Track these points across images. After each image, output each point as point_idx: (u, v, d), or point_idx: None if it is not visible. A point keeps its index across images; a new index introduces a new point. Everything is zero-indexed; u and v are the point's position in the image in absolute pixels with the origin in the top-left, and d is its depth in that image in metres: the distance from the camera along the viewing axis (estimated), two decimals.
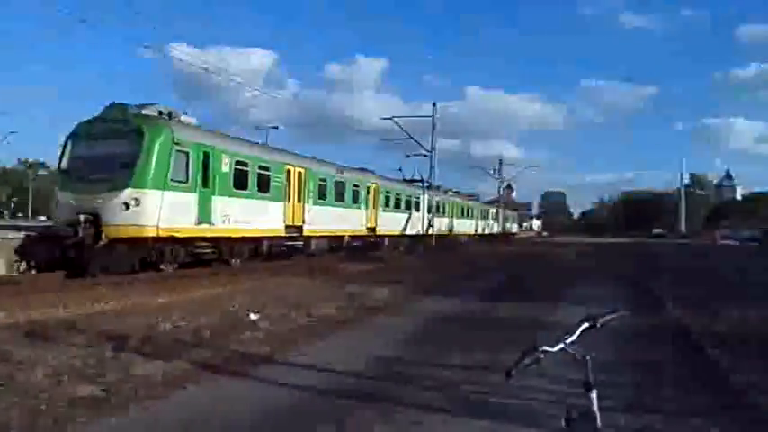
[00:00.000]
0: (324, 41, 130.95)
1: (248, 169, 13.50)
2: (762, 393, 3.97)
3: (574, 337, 1.64)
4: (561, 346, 1.61)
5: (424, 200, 25.76)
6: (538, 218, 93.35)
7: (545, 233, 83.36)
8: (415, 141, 27.08)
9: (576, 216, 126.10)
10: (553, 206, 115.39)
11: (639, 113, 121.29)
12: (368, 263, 15.06)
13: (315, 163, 17.06)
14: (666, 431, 3.40)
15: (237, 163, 13.06)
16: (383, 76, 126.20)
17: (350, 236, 19.08)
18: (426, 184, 26.17)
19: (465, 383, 4.35)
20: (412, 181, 26.92)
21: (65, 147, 11.63)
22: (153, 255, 11.04)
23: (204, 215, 11.98)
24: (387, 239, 21.86)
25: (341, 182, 18.43)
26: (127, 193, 10.60)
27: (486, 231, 38.83)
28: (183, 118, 12.34)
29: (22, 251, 10.76)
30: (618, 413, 3.53)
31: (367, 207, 20.51)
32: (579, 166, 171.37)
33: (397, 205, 23.19)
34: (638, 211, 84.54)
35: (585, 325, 1.68)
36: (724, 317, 7.01)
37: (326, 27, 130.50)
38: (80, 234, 10.22)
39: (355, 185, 19.55)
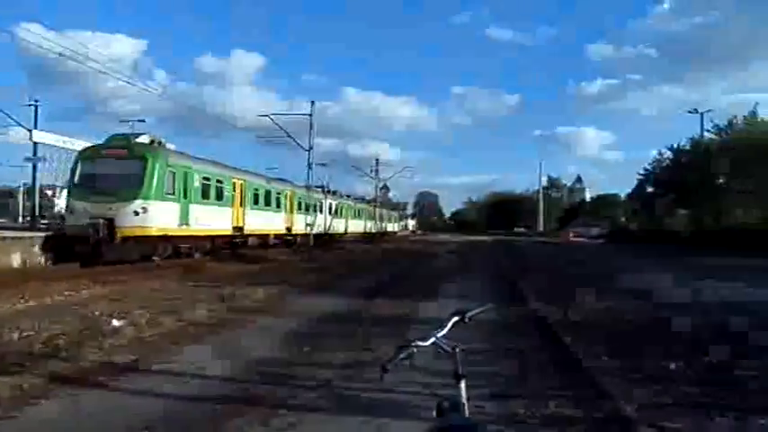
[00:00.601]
0: (197, 32, 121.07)
1: (210, 183, 17.90)
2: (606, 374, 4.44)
3: (444, 331, 1.72)
4: (433, 340, 1.67)
5: (326, 204, 31.10)
6: (413, 217, 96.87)
7: (419, 231, 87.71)
8: (293, 140, 26.71)
9: (447, 215, 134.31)
10: (427, 206, 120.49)
11: (504, 119, 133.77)
12: (253, 263, 15.81)
13: (250, 175, 21.88)
14: (528, 415, 3.72)
15: (204, 178, 17.50)
16: (261, 72, 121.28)
17: (273, 235, 23.40)
18: (314, 188, 29.21)
19: (343, 381, 4.43)
20: (319, 188, 30.78)
21: (75, 165, 15.69)
22: (154, 249, 15.12)
23: (184, 219, 16.25)
24: (299, 238, 26.18)
25: (268, 190, 23.20)
26: (137, 203, 14.72)
27: (373, 230, 41.73)
28: (168, 145, 17.04)
29: (47, 248, 14.30)
30: (486, 401, 3.81)
31: (285, 211, 25.10)
32: (451, 168, 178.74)
33: (307, 209, 27.53)
34: (502, 210, 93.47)
35: (455, 319, 1.77)
36: (575, 307, 7.62)
37: (200, 17, 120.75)
38: (101, 234, 14.06)
39: (278, 193, 24.31)
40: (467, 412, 1.67)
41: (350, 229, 34.29)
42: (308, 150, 26.68)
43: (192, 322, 6.78)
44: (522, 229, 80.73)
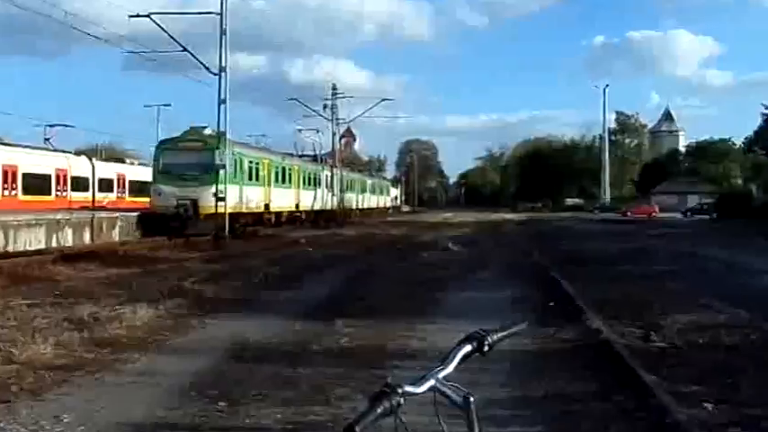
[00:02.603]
0: None
1: (252, 165, 27.77)
2: None
3: (449, 369, 1.54)
4: (431, 383, 1.47)
5: (324, 176, 38.86)
6: (395, 183, 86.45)
7: (406, 208, 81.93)
8: (193, 56, 23.26)
9: (452, 180, 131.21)
10: (419, 165, 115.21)
11: (541, 19, 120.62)
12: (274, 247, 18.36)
13: (269, 153, 32.15)
14: None
15: (249, 162, 27.47)
16: None
17: (287, 212, 32.58)
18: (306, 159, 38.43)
19: None
20: (307, 157, 39.01)
21: (158, 155, 25.11)
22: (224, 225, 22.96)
23: (242, 199, 25.80)
24: (304, 214, 34.84)
25: (284, 167, 32.38)
26: (216, 187, 22.69)
27: (331, 207, 41.80)
28: (228, 136, 24.37)
29: (142, 224, 23.19)
30: None
31: (294, 187, 33.87)
32: (456, 102, 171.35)
33: (311, 183, 36.11)
34: (540, 171, 78.88)
35: (467, 348, 1.62)
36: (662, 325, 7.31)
37: None
38: (189, 213, 23.10)
39: (289, 169, 33.04)
40: None
41: (302, 204, 36.46)
42: (218, 75, 22.49)
43: None
44: (574, 201, 69.16)
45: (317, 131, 44.39)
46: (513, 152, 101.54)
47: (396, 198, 79.21)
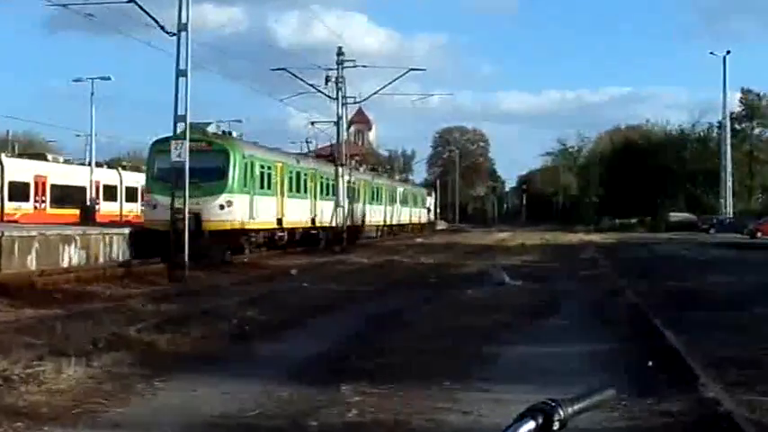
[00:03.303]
0: None
1: (264, 170, 30.80)
2: None
3: None
4: None
5: (343, 183, 41.42)
6: (429, 189, 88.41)
7: (442, 224, 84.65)
8: (141, 9, 24.07)
9: (508, 185, 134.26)
10: (462, 164, 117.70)
11: None
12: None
13: (280, 155, 35.63)
14: None
15: (260, 166, 30.48)
16: None
17: (301, 229, 35.74)
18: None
19: None
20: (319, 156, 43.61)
21: (152, 158, 28.73)
22: (235, 243, 28.15)
23: (252, 212, 28.84)
24: (321, 232, 37.97)
25: (298, 172, 35.66)
26: (223, 197, 26.66)
27: (337, 223, 42.92)
28: (234, 134, 30.72)
29: (134, 242, 25.98)
30: None
31: (311, 197, 37.09)
32: (513, 74, 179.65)
33: (328, 192, 39.34)
34: (634, 173, 77.91)
35: (529, 426, 1.69)
36: None
37: None
38: (191, 228, 23.68)
39: (305, 174, 36.53)
40: None
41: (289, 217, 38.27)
42: (176, 36, 23.24)
43: None
44: (683, 216, 67.50)
45: (336, 123, 44.57)
46: (595, 146, 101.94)
47: (430, 210, 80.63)
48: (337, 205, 40.94)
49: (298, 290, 18.49)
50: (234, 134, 31.37)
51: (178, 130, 23.68)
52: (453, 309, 15.29)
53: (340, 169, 41.17)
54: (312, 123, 48.22)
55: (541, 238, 49.48)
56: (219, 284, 19.36)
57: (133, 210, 43.71)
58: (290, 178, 34.37)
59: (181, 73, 23.28)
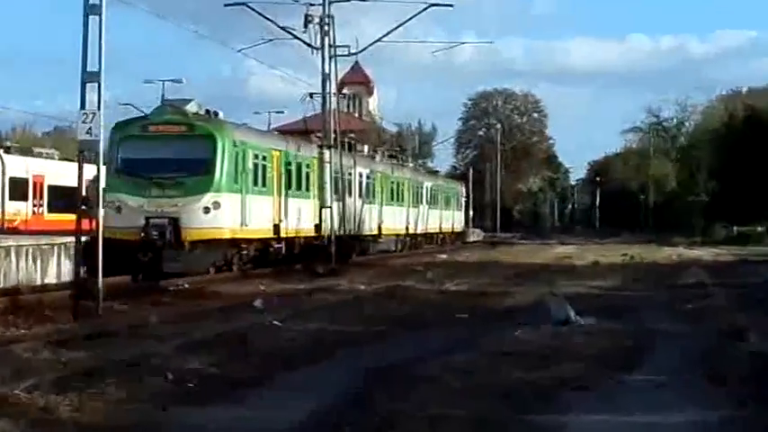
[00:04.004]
0: None
1: (258, 162, 33.57)
2: None
3: None
4: None
5: (356, 175, 47.25)
6: (461, 180, 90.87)
7: (476, 234, 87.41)
8: None
9: (575, 176, 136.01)
10: (507, 145, 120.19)
11: None
12: None
13: (275, 139, 40.18)
14: None
15: (254, 156, 33.21)
16: None
17: (303, 237, 38.81)
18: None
19: None
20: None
21: (114, 146, 29.51)
22: (224, 257, 31.80)
23: (244, 216, 31.68)
24: (327, 240, 40.08)
25: (299, 162, 38.62)
26: (209, 197, 29.05)
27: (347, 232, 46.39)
28: (221, 115, 33.17)
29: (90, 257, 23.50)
30: None
31: (313, 196, 40.22)
32: (580, 14, 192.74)
33: (342, 189, 43.71)
34: (760, 158, 79.44)
35: None
36: None
37: None
38: (168, 238, 28.21)
39: (307, 165, 39.67)
40: None
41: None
42: None
43: None
44: None
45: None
46: (703, 119, 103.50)
47: (459, 215, 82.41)
48: (323, 205, 41.43)
49: (265, 330, 18.54)
50: (221, 114, 33.14)
51: (93, 98, 23.22)
52: (493, 359, 15.23)
53: (327, 153, 41.74)
54: (311, 95, 47.07)
55: (623, 253, 49.63)
56: (150, 322, 19.36)
57: (21, 211, 45.53)
58: (290, 171, 36.94)
59: (91, 9, 22.93)
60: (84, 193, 22.98)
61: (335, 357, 15.43)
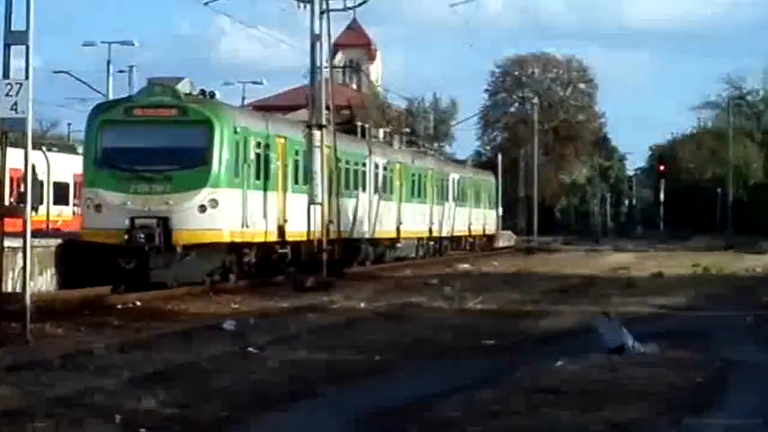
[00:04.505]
0: None
1: (260, 151, 35.74)
2: None
3: None
4: None
5: (372, 165, 48.99)
6: (492, 168, 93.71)
7: (506, 237, 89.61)
8: None
9: (633, 165, 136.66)
10: (549, 123, 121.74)
11: None
12: None
13: (281, 123, 42.53)
14: None
15: (256, 144, 35.45)
16: None
17: (317, 242, 40.30)
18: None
19: None
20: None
21: (94, 132, 32.29)
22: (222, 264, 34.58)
23: (245, 216, 33.74)
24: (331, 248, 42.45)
25: (305, 150, 40.68)
26: (204, 193, 30.98)
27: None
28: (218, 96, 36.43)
29: (64, 263, 30.74)
30: None
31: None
32: None
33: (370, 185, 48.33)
34: None
35: None
36: None
37: None
38: (157, 241, 30.08)
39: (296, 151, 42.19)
40: None
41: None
42: None
43: None
44: None
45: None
46: None
47: (497, 215, 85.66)
48: (312, 201, 41.89)
49: (237, 359, 18.74)
50: (217, 95, 34.82)
51: (19, 64, 23.19)
52: (528, 397, 15.23)
53: (316, 134, 41.76)
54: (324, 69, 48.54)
55: (694, 263, 49.91)
56: (91, 349, 19.26)
57: (63, 212, 51.42)
58: (296, 162, 39.43)
59: None
60: (27, 186, 23.14)
61: (327, 396, 15.37)
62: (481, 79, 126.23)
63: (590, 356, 19.43)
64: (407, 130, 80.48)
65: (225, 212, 30.45)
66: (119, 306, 27.06)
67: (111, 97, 62.42)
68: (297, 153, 39.18)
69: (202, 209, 29.61)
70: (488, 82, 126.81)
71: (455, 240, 66.08)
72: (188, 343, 20.89)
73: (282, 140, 37.42)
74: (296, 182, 38.12)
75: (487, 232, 76.84)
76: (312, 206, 41.37)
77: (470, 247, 70.11)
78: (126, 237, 28.92)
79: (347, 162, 44.48)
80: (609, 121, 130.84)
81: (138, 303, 28.39)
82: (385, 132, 57.49)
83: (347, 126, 49.22)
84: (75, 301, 26.94)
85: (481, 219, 74.12)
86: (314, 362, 18.36)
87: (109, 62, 70.77)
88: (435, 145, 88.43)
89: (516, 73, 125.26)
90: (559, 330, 24.02)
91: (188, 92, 32.28)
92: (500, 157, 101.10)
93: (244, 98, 62.58)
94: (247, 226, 32.58)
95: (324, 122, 42.94)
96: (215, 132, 30.90)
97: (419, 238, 56.84)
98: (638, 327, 22.51)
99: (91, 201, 30.34)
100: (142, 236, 29.05)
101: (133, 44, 73.89)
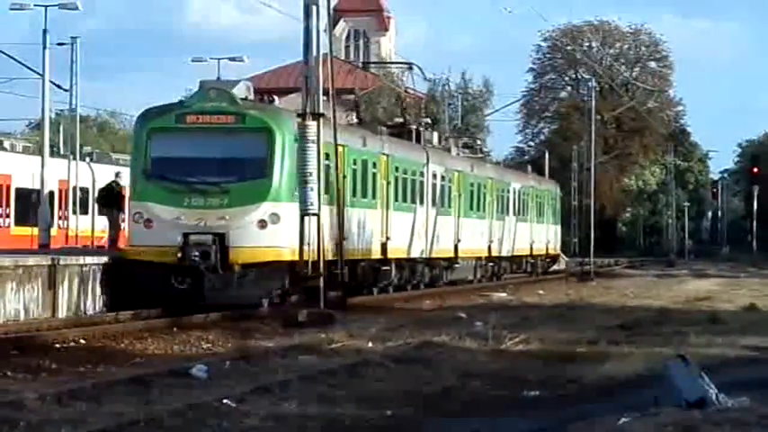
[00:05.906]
0: None
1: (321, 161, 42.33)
2: None
3: None
4: None
5: (429, 174, 53.34)
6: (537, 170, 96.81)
7: (583, 264, 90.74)
8: None
9: (719, 167, 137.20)
10: (611, 112, 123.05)
11: None
12: None
13: (348, 130, 46.23)
14: None
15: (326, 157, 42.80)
16: None
17: (375, 260, 46.48)
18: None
19: None
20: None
21: (144, 141, 36.86)
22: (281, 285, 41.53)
23: (302, 234, 39.00)
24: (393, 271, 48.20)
25: (364, 160, 45.97)
26: (265, 208, 36.38)
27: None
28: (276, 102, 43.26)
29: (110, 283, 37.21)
30: None
31: (382, 205, 47.25)
32: None
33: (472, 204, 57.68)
34: None
35: None
36: None
37: None
38: (213, 260, 34.61)
39: (374, 163, 46.03)
40: None
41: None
42: None
43: None
44: None
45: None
46: None
47: (554, 239, 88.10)
48: (304, 212, 41.35)
49: (208, 415, 18.43)
50: (276, 101, 38.18)
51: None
52: None
53: (311, 125, 41.18)
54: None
55: None
56: (22, 399, 18.86)
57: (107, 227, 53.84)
58: (355, 171, 41.95)
59: None
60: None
61: None
62: (524, 56, 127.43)
63: (661, 413, 18.71)
64: (428, 120, 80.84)
65: (287, 228, 32.81)
66: (57, 345, 27.02)
67: (48, 79, 61.37)
68: (355, 162, 41.37)
69: (262, 224, 32.32)
70: (533, 59, 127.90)
71: (515, 260, 68.78)
72: (146, 393, 20.69)
73: (342, 149, 38.94)
74: (354, 194, 40.68)
75: (550, 251, 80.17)
76: (306, 216, 41.84)
77: (531, 268, 73.36)
78: (179, 255, 31.01)
79: (404, 171, 47.16)
80: (687, 109, 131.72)
81: (83, 341, 28.47)
82: (440, 136, 60.20)
83: (400, 129, 53.05)
84: (1, 339, 27.03)
85: (543, 235, 77.47)
86: (306, 419, 18.11)
87: (45, 31, 70.45)
88: (464, 140, 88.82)
89: (569, 48, 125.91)
90: (622, 379, 24.11)
91: (245, 96, 34.38)
92: (547, 155, 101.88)
93: (218, 78, 63.11)
94: (309, 243, 34.40)
95: (321, 110, 43.06)
96: (275, 141, 33.53)
97: (477, 258, 59.54)
98: (723, 374, 22.59)
99: (140, 215, 32.47)
100: (197, 254, 31.25)
101: (76, 8, 73.03)
